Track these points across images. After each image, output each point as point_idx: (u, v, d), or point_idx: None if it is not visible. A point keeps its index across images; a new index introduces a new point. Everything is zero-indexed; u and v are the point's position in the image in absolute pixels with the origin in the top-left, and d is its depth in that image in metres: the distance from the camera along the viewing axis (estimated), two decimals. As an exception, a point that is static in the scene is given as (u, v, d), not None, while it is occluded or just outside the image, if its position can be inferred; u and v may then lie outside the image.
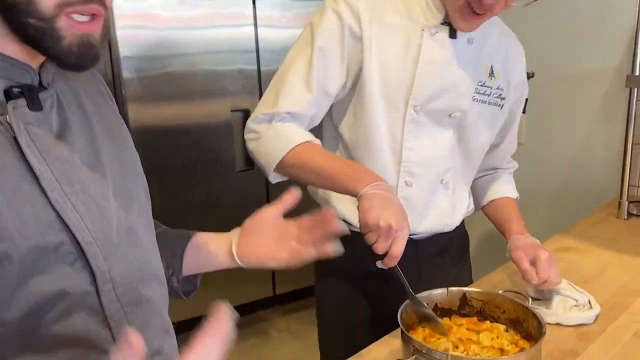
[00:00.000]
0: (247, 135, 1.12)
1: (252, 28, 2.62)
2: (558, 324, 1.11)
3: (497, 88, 1.16)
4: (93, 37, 0.60)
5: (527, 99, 1.23)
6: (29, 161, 0.59)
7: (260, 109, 1.10)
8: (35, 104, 0.61)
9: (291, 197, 0.87)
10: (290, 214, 0.87)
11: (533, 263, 1.11)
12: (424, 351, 0.86)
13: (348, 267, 1.21)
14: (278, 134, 1.07)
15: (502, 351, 0.93)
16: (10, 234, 0.55)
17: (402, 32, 1.08)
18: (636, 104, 1.77)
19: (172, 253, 0.85)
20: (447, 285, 1.04)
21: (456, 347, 0.94)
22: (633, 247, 1.50)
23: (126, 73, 2.37)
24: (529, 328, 0.96)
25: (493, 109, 1.17)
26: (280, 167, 1.09)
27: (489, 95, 1.15)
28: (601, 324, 1.11)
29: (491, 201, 1.34)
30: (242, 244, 0.86)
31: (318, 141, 1.10)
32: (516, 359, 0.85)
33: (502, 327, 0.99)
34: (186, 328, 2.53)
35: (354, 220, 1.18)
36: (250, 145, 1.12)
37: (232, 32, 2.58)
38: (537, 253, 1.12)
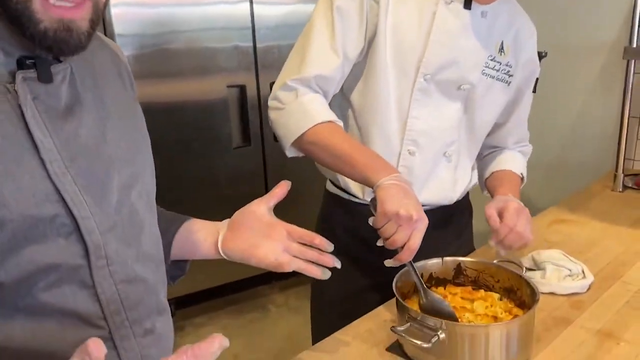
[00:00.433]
0: (270, 103, 1.11)
1: (247, 5, 2.58)
2: (552, 293, 1.12)
3: (506, 64, 1.16)
4: (75, 24, 0.58)
5: (537, 79, 1.21)
6: (32, 132, 0.58)
7: (286, 76, 1.08)
8: (45, 76, 0.61)
9: (281, 190, 0.86)
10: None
11: (501, 214, 1.08)
12: (418, 318, 0.87)
13: (345, 238, 1.22)
14: (302, 108, 1.06)
15: (495, 319, 0.95)
16: (6, 201, 0.56)
17: (417, 0, 1.08)
18: (633, 77, 1.77)
19: (162, 236, 0.85)
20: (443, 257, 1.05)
21: (450, 314, 0.95)
22: (627, 219, 1.51)
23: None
24: (522, 296, 0.97)
25: (501, 85, 1.17)
26: (299, 143, 1.08)
27: (497, 70, 1.15)
28: (594, 293, 1.12)
29: (491, 174, 1.31)
30: (228, 237, 0.86)
31: (340, 122, 1.09)
32: (509, 326, 0.86)
33: (496, 295, 1.00)
34: (186, 303, 2.57)
35: (357, 191, 1.19)
36: (272, 115, 1.11)
37: (227, 9, 2.54)
38: (507, 204, 1.08)
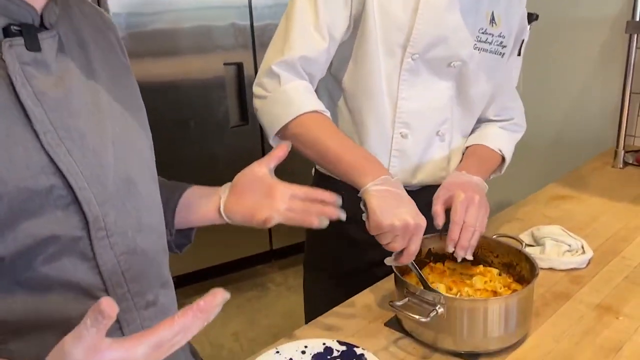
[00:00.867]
0: (254, 89, 1.07)
1: (244, -18, 2.55)
2: (551, 269, 1.12)
3: (499, 36, 1.12)
4: None
5: (523, 40, 1.17)
6: (23, 102, 0.57)
7: (270, 59, 1.04)
8: (33, 44, 0.59)
9: (281, 151, 0.84)
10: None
11: (449, 207, 1.00)
12: (417, 293, 0.86)
13: (343, 209, 1.20)
14: (286, 97, 1.02)
15: (495, 294, 0.94)
16: (0, 174, 0.54)
17: None
18: (635, 52, 1.74)
19: (165, 206, 0.85)
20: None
21: (450, 289, 0.95)
22: (627, 195, 1.50)
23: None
24: (521, 271, 0.96)
25: (494, 57, 1.13)
26: (283, 133, 1.04)
27: (490, 43, 1.11)
28: (593, 268, 1.12)
29: (466, 149, 1.23)
30: (230, 200, 0.85)
31: (327, 112, 1.05)
32: (508, 300, 0.86)
33: (495, 270, 1.00)
34: (186, 282, 2.58)
35: None
36: (256, 103, 1.07)
37: (224, -13, 2.51)
38: (454, 193, 0.99)
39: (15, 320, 0.59)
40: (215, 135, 2.65)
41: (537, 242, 1.20)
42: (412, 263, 0.93)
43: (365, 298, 1.03)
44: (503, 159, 1.22)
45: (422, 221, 0.90)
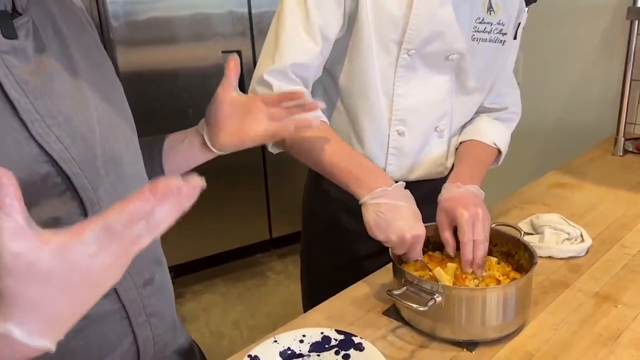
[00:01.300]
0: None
1: (242, -31, 2.53)
2: (550, 257, 1.11)
3: (498, 23, 1.09)
4: None
5: (519, 24, 1.15)
6: (7, 92, 0.56)
7: (262, 67, 1.02)
8: (9, 31, 0.58)
9: (233, 66, 0.84)
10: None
11: (455, 226, 0.97)
12: (415, 282, 0.86)
13: (334, 209, 1.20)
14: None
15: (498, 282, 0.94)
16: None
17: None
18: (636, 38, 1.73)
19: (151, 161, 0.84)
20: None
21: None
22: (627, 183, 1.50)
23: (113, 17, 2.29)
24: (520, 260, 0.96)
25: (494, 46, 1.11)
26: (280, 142, 1.04)
27: (489, 32, 1.08)
28: (592, 257, 1.12)
29: (460, 144, 1.20)
30: (213, 134, 0.85)
31: (323, 117, 1.04)
32: (506, 289, 0.86)
33: (493, 259, 0.99)
34: (185, 271, 2.58)
35: (379, 166, 1.14)
36: None
37: (221, -27, 2.49)
38: (455, 213, 0.95)
39: None
40: (214, 123, 2.63)
41: (536, 230, 1.20)
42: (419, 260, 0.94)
43: (363, 287, 1.03)
44: (499, 151, 1.20)
45: (421, 231, 0.90)
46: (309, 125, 0.87)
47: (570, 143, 2.10)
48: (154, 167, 0.84)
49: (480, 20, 1.07)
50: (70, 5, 0.72)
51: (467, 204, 0.96)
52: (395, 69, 1.06)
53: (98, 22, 2.31)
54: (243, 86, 2.04)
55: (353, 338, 0.84)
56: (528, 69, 2.13)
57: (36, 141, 0.58)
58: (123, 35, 2.33)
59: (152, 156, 0.84)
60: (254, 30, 2.61)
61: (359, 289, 1.02)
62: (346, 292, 1.02)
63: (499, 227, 1.01)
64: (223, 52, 2.57)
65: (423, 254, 1.02)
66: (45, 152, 0.58)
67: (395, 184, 0.94)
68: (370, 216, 0.92)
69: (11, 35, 0.58)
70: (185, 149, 0.87)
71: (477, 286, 0.93)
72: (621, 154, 1.75)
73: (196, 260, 2.80)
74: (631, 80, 1.76)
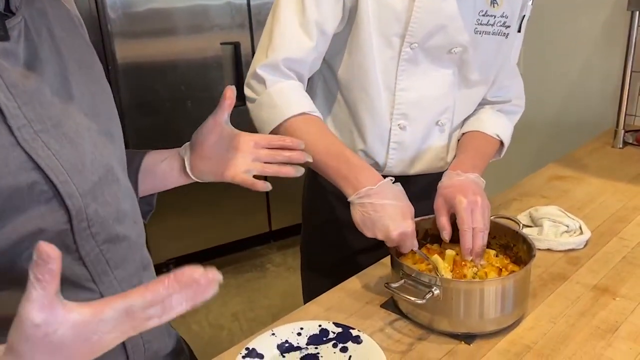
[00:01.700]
0: (245, 91, 1.06)
1: (240, -41, 2.51)
2: (548, 250, 1.11)
3: (502, 16, 1.07)
4: None
5: (524, 16, 1.13)
6: None
7: (257, 61, 1.02)
8: (1, 32, 0.57)
9: (229, 98, 0.81)
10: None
11: (454, 213, 0.97)
12: (412, 275, 0.86)
13: (334, 202, 1.20)
14: (272, 101, 1.00)
15: (500, 271, 0.94)
16: None
17: None
18: (637, 29, 1.72)
19: (128, 172, 0.83)
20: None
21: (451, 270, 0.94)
22: (626, 175, 1.49)
23: (111, 9, 2.28)
24: (519, 252, 0.96)
25: (497, 39, 1.09)
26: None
27: (492, 25, 1.07)
28: (591, 249, 1.11)
29: (462, 135, 1.20)
30: (195, 160, 0.83)
31: (316, 113, 1.03)
32: (504, 282, 0.85)
33: (492, 252, 0.99)
34: (185, 263, 2.57)
35: (380, 160, 1.15)
36: (248, 105, 1.06)
37: (219, -36, 2.47)
38: (454, 201, 0.95)
39: (4, 317, 0.58)
40: (213, 116, 2.63)
41: (534, 222, 1.20)
42: (418, 251, 0.94)
43: (361, 280, 1.03)
44: (502, 143, 1.20)
45: (407, 228, 0.90)
46: (302, 160, 0.85)
47: (570, 135, 2.09)
48: (129, 180, 0.83)
49: (483, 13, 1.06)
50: (63, 5, 0.71)
51: (466, 192, 0.96)
52: (398, 62, 1.05)
53: (96, 14, 2.29)
54: (241, 77, 2.03)
55: (351, 331, 0.84)
56: (528, 61, 2.12)
57: (22, 148, 0.56)
58: (121, 26, 2.32)
59: (129, 173, 0.81)
60: (253, 21, 2.60)
61: (357, 282, 1.02)
62: (344, 285, 1.02)
63: (497, 220, 1.01)
64: (222, 43, 2.55)
65: (421, 247, 1.02)
66: (32, 159, 0.57)
67: (382, 182, 0.94)
68: (357, 215, 0.93)
69: (3, 36, 0.57)
70: (163, 171, 0.85)
71: (476, 274, 0.93)
72: (621, 146, 1.74)
73: (196, 252, 2.80)
74: (631, 71, 1.75)
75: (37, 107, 0.59)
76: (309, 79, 1.15)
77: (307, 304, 0.97)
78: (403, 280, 0.86)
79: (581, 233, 1.14)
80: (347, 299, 0.97)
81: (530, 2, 1.12)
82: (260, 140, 0.83)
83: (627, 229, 1.19)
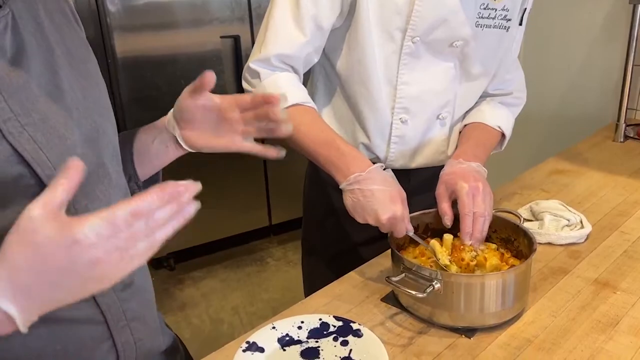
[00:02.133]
0: (243, 84, 1.08)
1: (240, -48, 2.50)
2: (549, 243, 1.11)
3: (503, 9, 1.07)
4: None
5: (525, 9, 1.12)
6: None
7: (252, 56, 1.04)
8: None
9: (206, 79, 0.77)
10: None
11: (455, 199, 0.98)
12: (413, 269, 0.86)
13: (335, 194, 1.18)
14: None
15: (502, 255, 0.94)
16: None
17: None
18: (639, 23, 1.71)
19: (123, 160, 0.81)
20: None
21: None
22: (627, 169, 1.49)
23: (111, 2, 2.27)
24: (520, 246, 0.96)
25: (498, 32, 1.09)
26: None
27: (493, 18, 1.07)
28: (592, 243, 1.11)
29: (464, 127, 1.20)
30: (186, 134, 0.80)
31: (309, 103, 1.04)
32: (505, 275, 0.85)
33: (493, 246, 0.99)
34: (185, 258, 2.58)
35: (381, 154, 1.16)
36: None
37: (219, -44, 2.46)
38: (455, 187, 0.96)
39: None
40: (213, 109, 2.62)
41: (535, 216, 1.20)
42: (412, 235, 0.94)
43: (362, 274, 1.03)
44: (503, 135, 1.20)
45: (397, 212, 0.91)
46: (282, 133, 0.81)
47: (571, 129, 2.08)
48: (127, 166, 0.81)
49: (484, 6, 1.05)
50: (56, 0, 0.70)
51: (468, 178, 0.97)
52: (399, 56, 1.05)
53: (95, 8, 2.28)
54: (241, 71, 2.03)
55: (351, 324, 0.84)
56: (529, 55, 2.11)
57: (8, 141, 0.56)
58: (121, 20, 2.31)
59: (124, 160, 0.80)
60: (253, 14, 2.59)
61: (358, 276, 1.02)
62: (345, 279, 1.02)
63: (498, 214, 1.01)
64: (222, 37, 2.54)
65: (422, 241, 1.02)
66: (18, 152, 0.56)
67: (371, 168, 0.95)
68: (348, 201, 0.95)
69: None
70: (156, 150, 0.83)
71: (475, 258, 0.93)
72: (622, 140, 1.74)
73: (196, 246, 2.81)
74: (633, 65, 1.74)
75: (24, 100, 0.58)
76: (310, 73, 1.15)
77: (308, 297, 0.97)
78: (404, 274, 0.86)
79: (582, 227, 1.14)
80: (347, 292, 0.97)
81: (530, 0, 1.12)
82: (243, 102, 0.79)
83: (628, 223, 1.19)
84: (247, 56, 1.09)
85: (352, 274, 1.03)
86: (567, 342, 0.83)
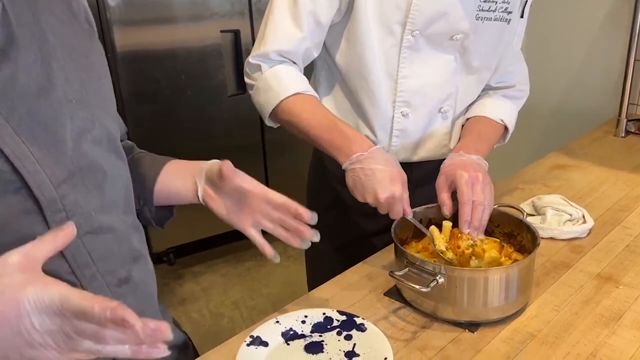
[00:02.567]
0: (245, 79, 1.09)
1: (240, -55, 2.48)
2: (551, 238, 1.11)
3: (503, 2, 1.07)
4: None
5: (527, 1, 1.10)
6: None
7: (253, 50, 1.06)
8: None
9: (226, 168, 0.76)
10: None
11: (455, 189, 0.98)
12: (417, 263, 0.86)
13: (338, 187, 1.19)
14: (267, 85, 1.04)
15: (502, 247, 0.95)
16: None
17: None
18: (641, 17, 1.71)
19: (142, 185, 0.81)
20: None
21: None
22: (629, 164, 1.49)
23: (111, -4, 2.26)
24: (522, 241, 0.96)
25: (499, 25, 1.09)
26: (274, 119, 1.07)
27: (493, 11, 1.06)
28: (594, 238, 1.11)
29: (467, 120, 1.20)
30: (208, 193, 0.80)
31: (311, 92, 1.05)
32: (508, 270, 0.85)
33: (495, 239, 0.99)
34: (186, 252, 2.58)
35: (383, 147, 1.15)
36: (249, 90, 1.09)
37: (219, -49, 2.45)
38: (455, 177, 0.97)
39: None
40: (213, 104, 2.61)
41: (537, 211, 1.20)
42: (410, 218, 0.95)
43: (365, 268, 1.03)
44: (506, 128, 1.20)
45: (395, 192, 0.92)
46: (308, 237, 0.82)
47: (572, 124, 2.08)
48: (145, 191, 0.81)
49: None
50: None
51: (467, 168, 0.98)
52: (399, 50, 1.05)
53: (95, 2, 2.27)
54: (241, 66, 2.02)
55: (355, 319, 0.84)
56: (530, 49, 2.10)
57: None
58: (121, 14, 2.30)
59: (145, 180, 0.81)
60: (253, 9, 2.57)
61: (361, 270, 1.02)
62: (348, 273, 1.02)
63: (501, 208, 1.01)
64: (222, 31, 2.53)
65: (424, 236, 1.02)
66: None
67: (373, 148, 0.96)
68: (349, 180, 0.97)
69: None
70: (177, 190, 0.82)
71: (472, 247, 0.93)
72: (623, 135, 1.74)
73: (196, 241, 2.80)
74: (635, 60, 1.74)
75: (10, 94, 0.57)
76: (313, 66, 1.15)
77: (312, 291, 0.97)
78: (407, 269, 0.86)
79: (584, 222, 1.14)
80: (351, 287, 0.97)
81: None
82: (272, 199, 0.79)
83: (630, 217, 1.19)
84: (247, 50, 1.10)
85: (355, 268, 1.03)
86: (570, 337, 0.83)
